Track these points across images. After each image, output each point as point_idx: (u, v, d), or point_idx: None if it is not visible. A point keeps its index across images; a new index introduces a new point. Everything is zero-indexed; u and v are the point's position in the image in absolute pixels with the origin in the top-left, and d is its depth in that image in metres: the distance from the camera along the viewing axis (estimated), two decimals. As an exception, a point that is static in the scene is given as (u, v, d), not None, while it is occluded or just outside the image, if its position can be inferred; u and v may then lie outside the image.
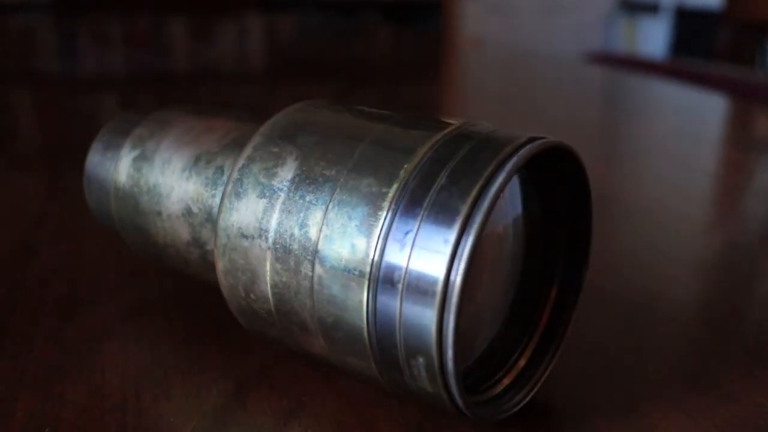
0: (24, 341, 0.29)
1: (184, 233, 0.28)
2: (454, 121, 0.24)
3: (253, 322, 0.25)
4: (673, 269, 0.37)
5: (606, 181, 0.52)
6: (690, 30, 2.56)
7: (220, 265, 0.25)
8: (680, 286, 0.35)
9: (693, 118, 0.85)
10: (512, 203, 0.26)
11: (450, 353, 0.20)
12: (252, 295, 0.24)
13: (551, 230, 0.27)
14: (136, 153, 0.29)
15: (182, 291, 0.33)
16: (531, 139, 0.22)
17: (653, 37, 2.69)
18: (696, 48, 2.40)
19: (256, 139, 0.25)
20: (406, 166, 0.22)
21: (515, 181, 0.26)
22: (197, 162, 0.28)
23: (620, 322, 0.31)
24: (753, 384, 0.26)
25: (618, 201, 0.47)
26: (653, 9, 2.71)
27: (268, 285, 0.24)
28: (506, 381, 0.25)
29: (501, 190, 0.20)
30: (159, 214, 0.28)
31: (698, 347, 0.29)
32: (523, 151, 0.21)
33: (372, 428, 0.24)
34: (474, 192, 0.20)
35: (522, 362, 0.26)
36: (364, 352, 0.22)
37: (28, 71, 1.09)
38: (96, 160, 0.31)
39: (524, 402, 0.25)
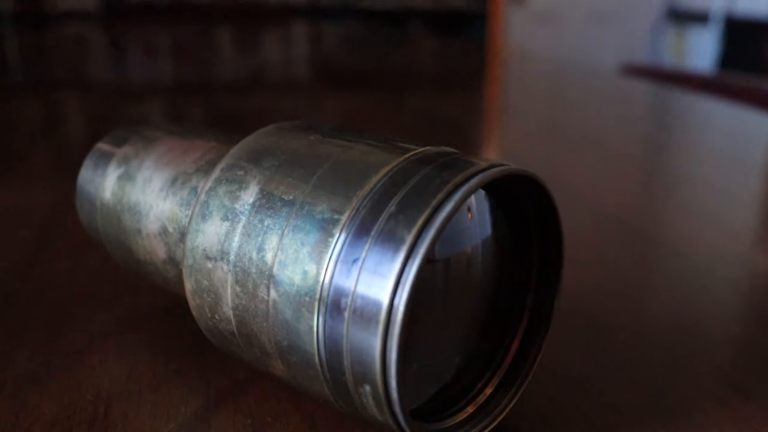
0: (9, 351, 0.30)
1: (160, 252, 0.28)
2: (418, 147, 0.24)
3: (221, 342, 0.26)
4: (693, 305, 0.36)
5: (637, 208, 0.51)
6: (740, 41, 2.50)
7: (188, 286, 0.25)
8: (681, 317, 0.35)
9: (739, 140, 0.82)
10: (481, 227, 0.26)
11: (393, 383, 0.20)
12: (217, 316, 0.25)
13: (523, 256, 0.26)
14: (120, 171, 0.30)
15: (170, 308, 0.33)
16: (487, 167, 0.22)
17: (702, 48, 2.63)
18: (745, 60, 2.35)
19: (225, 161, 0.25)
20: (359, 192, 0.22)
21: (485, 205, 0.26)
22: (174, 182, 0.28)
23: (609, 354, 0.31)
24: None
25: (647, 233, 0.45)
26: (702, 18, 2.64)
27: (230, 307, 0.24)
28: (470, 409, 0.25)
29: (448, 219, 0.20)
30: (139, 232, 0.29)
31: (679, 381, 0.29)
32: (474, 180, 0.21)
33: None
34: (420, 221, 0.20)
35: (488, 390, 0.26)
36: (318, 377, 0.22)
37: (78, 79, 1.12)
38: (87, 176, 0.32)
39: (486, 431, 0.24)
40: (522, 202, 0.25)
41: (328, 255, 0.21)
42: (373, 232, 0.21)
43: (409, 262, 0.20)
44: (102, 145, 0.32)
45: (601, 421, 0.26)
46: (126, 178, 0.30)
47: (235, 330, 0.24)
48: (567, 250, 0.26)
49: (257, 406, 0.26)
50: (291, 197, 0.23)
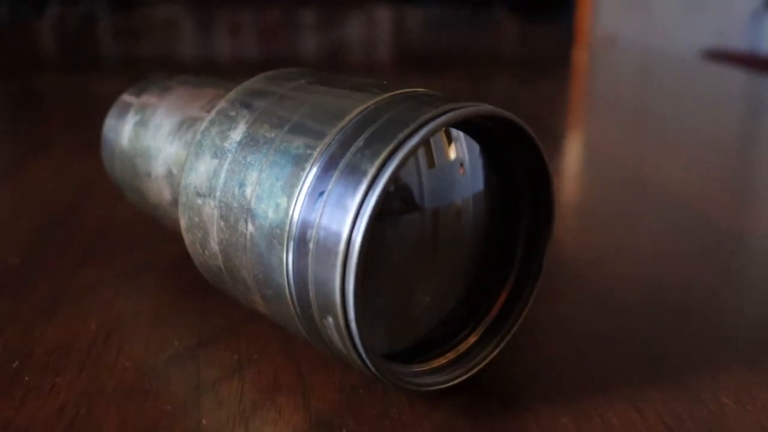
0: (31, 284, 0.31)
1: (167, 194, 0.29)
2: (402, 89, 0.24)
3: (212, 278, 0.27)
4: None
5: (731, 210, 0.46)
6: None
7: (182, 223, 0.26)
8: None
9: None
10: (474, 181, 0.26)
11: (352, 314, 0.20)
12: (206, 252, 0.25)
13: (515, 210, 0.26)
14: (137, 119, 0.31)
15: (186, 255, 0.34)
16: (459, 107, 0.22)
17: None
18: None
19: (220, 104, 0.26)
20: (332, 129, 0.22)
21: (478, 161, 0.25)
22: (180, 127, 0.29)
23: (598, 310, 0.30)
24: (717, 382, 0.25)
25: (738, 233, 0.43)
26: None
27: (216, 242, 0.25)
28: (451, 355, 0.25)
29: (411, 153, 0.20)
30: (149, 175, 0.30)
31: (667, 340, 0.28)
32: (443, 118, 0.21)
33: (306, 389, 0.24)
34: (384, 153, 0.20)
35: (472, 339, 0.26)
36: (290, 310, 0.23)
37: (167, 58, 1.15)
38: (110, 125, 0.33)
39: (460, 379, 0.24)
40: (514, 154, 0.25)
41: (299, 188, 0.22)
42: (340, 166, 0.21)
43: (369, 193, 0.20)
44: (125, 96, 0.33)
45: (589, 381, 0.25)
46: (141, 124, 0.31)
47: (221, 265, 0.25)
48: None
49: (247, 344, 0.27)
50: (272, 135, 0.23)
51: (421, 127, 0.21)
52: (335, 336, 0.21)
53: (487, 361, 0.25)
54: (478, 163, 0.26)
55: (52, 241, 0.37)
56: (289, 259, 0.22)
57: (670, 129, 0.70)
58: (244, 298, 0.25)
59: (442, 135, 0.26)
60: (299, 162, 0.22)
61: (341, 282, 0.20)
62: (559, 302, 0.30)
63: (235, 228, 0.24)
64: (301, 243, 0.21)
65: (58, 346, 0.27)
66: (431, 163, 0.26)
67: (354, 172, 0.20)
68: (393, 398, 0.24)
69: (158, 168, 0.29)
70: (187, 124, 0.29)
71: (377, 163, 0.20)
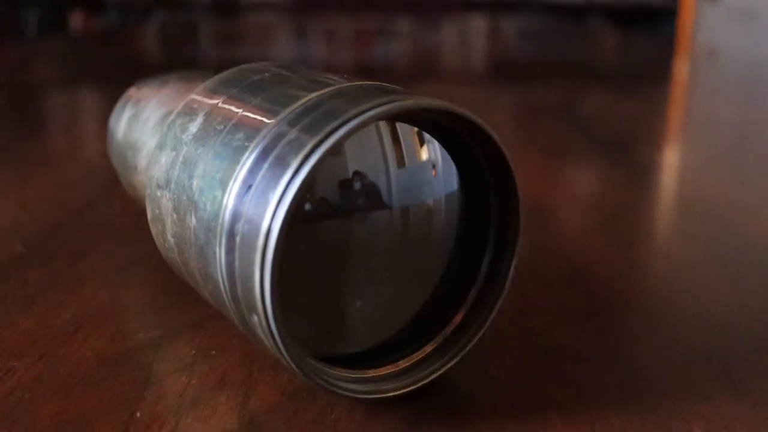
0: (27, 271, 0.32)
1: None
2: (353, 80, 0.23)
3: (176, 271, 0.26)
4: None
5: None
6: None
7: (148, 215, 0.26)
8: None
9: None
10: (447, 183, 0.25)
11: (270, 311, 0.20)
12: (166, 245, 0.25)
13: (482, 220, 0.25)
14: (132, 112, 0.31)
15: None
16: (400, 99, 0.20)
17: None
18: None
19: (189, 97, 0.26)
20: (271, 122, 0.21)
21: (449, 160, 0.24)
22: (164, 120, 0.29)
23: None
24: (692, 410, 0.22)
25: None
26: None
27: (171, 235, 0.24)
28: (402, 364, 0.24)
29: (337, 146, 0.19)
30: (136, 168, 0.30)
31: (641, 359, 0.25)
32: (376, 110, 0.20)
33: (250, 389, 0.24)
34: (309, 146, 0.19)
35: (429, 348, 0.24)
36: (227, 306, 0.22)
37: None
38: (113, 118, 0.33)
39: (403, 390, 0.23)
40: (483, 161, 0.24)
41: (233, 181, 0.21)
42: (269, 158, 0.20)
43: (290, 185, 0.19)
44: (130, 90, 0.34)
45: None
46: (134, 118, 0.31)
47: (177, 258, 0.25)
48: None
49: (208, 340, 0.26)
50: (221, 127, 0.23)
51: (351, 119, 0.20)
52: (261, 334, 0.21)
53: (438, 374, 0.23)
54: (452, 166, 0.25)
55: (64, 232, 0.38)
56: (222, 253, 0.21)
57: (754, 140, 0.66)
58: (199, 293, 0.25)
59: (414, 136, 0.25)
60: (236, 154, 0.21)
61: (260, 277, 0.20)
62: (533, 317, 0.29)
63: (183, 221, 0.23)
64: (231, 237, 0.21)
65: (28, 333, 0.27)
66: (401, 163, 0.26)
67: (279, 165, 0.20)
68: (335, 405, 0.23)
69: (142, 161, 0.29)
70: (166, 117, 0.29)
71: (301, 155, 0.19)
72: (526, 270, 0.26)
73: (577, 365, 0.25)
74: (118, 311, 0.29)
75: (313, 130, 0.20)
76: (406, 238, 0.26)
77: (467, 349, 0.24)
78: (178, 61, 1.18)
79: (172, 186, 0.24)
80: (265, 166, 0.20)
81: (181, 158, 0.24)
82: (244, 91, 0.24)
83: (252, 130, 0.22)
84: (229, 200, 0.21)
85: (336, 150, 0.20)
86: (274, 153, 0.20)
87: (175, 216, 0.24)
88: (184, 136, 0.24)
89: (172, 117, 0.26)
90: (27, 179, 0.49)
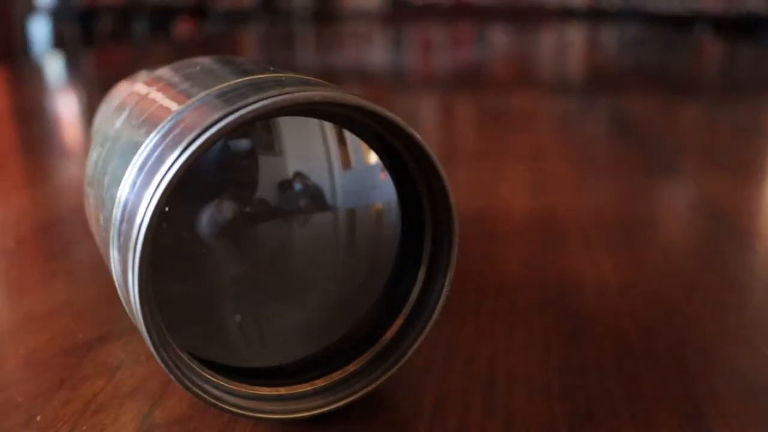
0: (4, 267, 0.32)
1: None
2: (281, 74, 0.21)
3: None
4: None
5: None
6: None
7: (87, 213, 0.25)
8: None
9: None
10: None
11: (141, 317, 0.18)
12: (96, 242, 0.25)
13: (419, 239, 0.23)
14: (110, 102, 0.31)
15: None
16: (290, 92, 0.19)
17: None
18: None
19: (130, 90, 0.25)
20: (167, 116, 0.20)
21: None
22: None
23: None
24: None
25: None
26: None
27: (96, 233, 0.24)
28: (320, 383, 0.22)
29: (209, 143, 0.18)
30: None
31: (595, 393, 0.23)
32: (254, 106, 0.18)
33: (161, 399, 0.22)
34: (184, 144, 0.18)
35: (351, 368, 0.22)
36: (130, 313, 0.21)
37: (360, 69, 1.18)
38: (101, 110, 0.33)
39: (307, 414, 0.21)
40: (417, 174, 0.22)
41: (125, 179, 0.20)
42: (153, 156, 0.19)
43: (160, 185, 0.18)
44: (122, 81, 0.33)
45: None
46: (107, 110, 0.31)
47: (103, 257, 0.24)
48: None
49: (141, 345, 0.25)
50: (134, 122, 0.22)
51: (227, 115, 0.18)
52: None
53: (354, 398, 0.22)
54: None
55: (57, 228, 0.38)
56: (115, 254, 0.20)
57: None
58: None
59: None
60: (134, 151, 0.20)
61: (132, 279, 0.18)
62: (459, 334, 0.26)
63: (98, 219, 0.22)
64: (119, 236, 0.20)
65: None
66: (347, 165, 0.24)
67: (157, 163, 0.18)
68: (239, 423, 0.21)
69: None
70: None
71: (176, 151, 0.18)
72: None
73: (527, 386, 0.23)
74: (69, 311, 0.28)
75: (193, 127, 0.18)
76: (348, 244, 0.25)
77: (390, 372, 0.22)
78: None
79: (95, 184, 0.23)
80: (149, 164, 0.19)
81: (103, 155, 0.23)
82: (168, 85, 0.23)
83: (152, 126, 0.20)
84: (121, 199, 0.20)
85: (207, 147, 0.18)
86: (158, 151, 0.19)
87: (95, 213, 0.23)
88: (110, 132, 0.23)
89: (110, 111, 0.25)
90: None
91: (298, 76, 0.21)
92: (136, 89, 0.25)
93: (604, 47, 1.86)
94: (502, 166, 0.51)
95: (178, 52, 1.46)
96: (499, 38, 1.89)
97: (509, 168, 0.50)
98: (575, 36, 2.08)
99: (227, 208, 0.24)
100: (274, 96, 0.18)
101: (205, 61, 0.26)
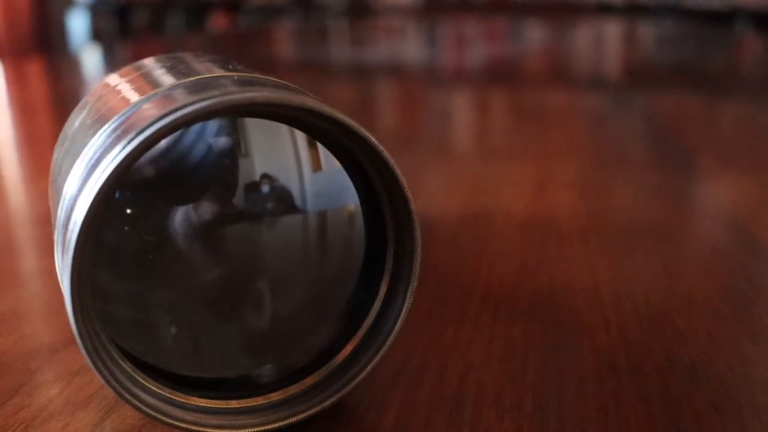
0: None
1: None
2: (238, 73, 0.20)
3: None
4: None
5: None
6: None
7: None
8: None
9: None
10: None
11: (73, 321, 0.18)
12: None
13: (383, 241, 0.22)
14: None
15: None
16: (233, 93, 0.18)
17: None
18: None
19: (96, 86, 0.24)
20: (115, 116, 0.19)
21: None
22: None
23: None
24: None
25: None
26: None
27: (58, 232, 0.23)
28: (275, 397, 0.21)
29: (143, 147, 0.17)
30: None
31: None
32: (188, 111, 0.17)
33: (113, 409, 0.22)
34: (121, 144, 0.17)
35: (309, 382, 0.21)
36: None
37: (393, 64, 1.17)
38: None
39: (256, 429, 0.20)
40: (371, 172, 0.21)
41: (74, 178, 0.19)
42: (94, 157, 0.18)
43: (93, 188, 0.17)
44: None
45: None
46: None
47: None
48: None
49: (106, 349, 0.25)
50: (90, 122, 0.21)
51: (164, 116, 0.17)
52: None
53: (310, 413, 0.21)
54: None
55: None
56: (58, 258, 0.19)
57: None
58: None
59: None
60: (79, 152, 0.20)
61: (69, 287, 0.18)
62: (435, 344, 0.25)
63: (55, 218, 0.22)
64: (62, 240, 0.19)
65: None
66: (317, 167, 0.23)
67: (95, 165, 0.18)
68: (191, 435, 0.20)
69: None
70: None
71: (110, 155, 0.17)
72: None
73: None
74: (42, 313, 0.28)
75: (135, 127, 0.18)
76: (317, 249, 0.24)
77: (349, 388, 0.21)
78: (310, 61, 1.19)
79: (57, 183, 0.22)
80: (90, 165, 0.18)
81: (62, 154, 0.22)
82: (128, 84, 0.22)
83: (102, 124, 0.20)
84: (67, 201, 0.19)
85: (141, 151, 0.17)
86: (99, 152, 0.18)
87: (55, 212, 0.22)
88: (70, 131, 0.23)
89: (75, 111, 0.24)
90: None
91: (258, 76, 0.20)
92: (97, 88, 0.24)
93: (640, 43, 1.82)
94: (521, 164, 0.49)
95: (212, 46, 1.47)
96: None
97: (527, 166, 0.49)
98: (611, 32, 2.04)
99: (190, 211, 0.23)
100: (216, 97, 0.17)
101: (173, 57, 0.25)
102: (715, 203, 0.45)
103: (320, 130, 0.20)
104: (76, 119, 0.23)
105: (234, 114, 0.20)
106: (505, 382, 0.23)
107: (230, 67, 0.22)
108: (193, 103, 0.17)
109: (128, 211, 0.22)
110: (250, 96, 0.18)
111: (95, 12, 2.66)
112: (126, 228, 0.22)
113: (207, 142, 0.22)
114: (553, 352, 0.25)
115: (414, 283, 0.21)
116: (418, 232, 0.20)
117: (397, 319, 0.21)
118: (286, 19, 2.41)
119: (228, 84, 0.19)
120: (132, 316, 0.22)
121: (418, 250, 0.20)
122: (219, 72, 0.21)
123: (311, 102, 0.18)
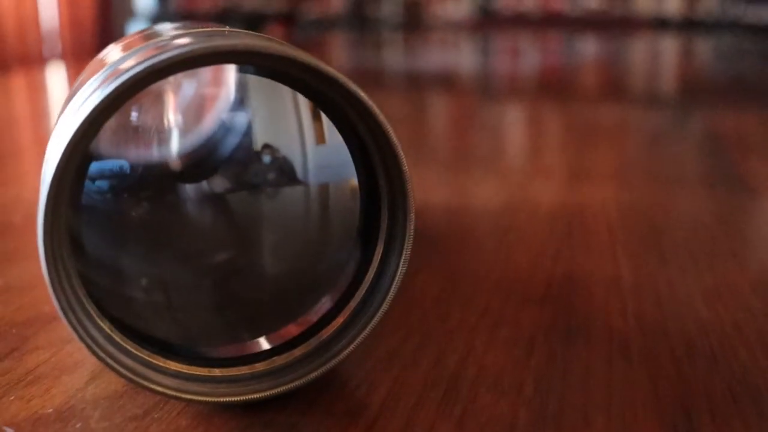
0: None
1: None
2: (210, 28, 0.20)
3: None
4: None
5: None
6: None
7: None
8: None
9: None
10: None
11: (47, 274, 0.17)
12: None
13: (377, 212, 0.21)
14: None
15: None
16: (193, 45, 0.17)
17: None
18: None
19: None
20: (101, 70, 0.19)
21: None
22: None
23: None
24: None
25: None
26: None
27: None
28: (260, 367, 0.20)
29: (116, 97, 0.17)
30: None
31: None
32: (167, 55, 0.17)
33: (96, 375, 0.21)
34: (99, 93, 0.17)
35: (297, 353, 0.20)
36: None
37: (445, 76, 1.16)
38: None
39: (238, 398, 0.19)
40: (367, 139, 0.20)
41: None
42: (78, 105, 0.18)
43: (71, 139, 0.17)
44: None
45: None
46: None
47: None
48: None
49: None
50: (86, 83, 0.21)
51: (136, 66, 0.17)
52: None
53: (298, 383, 0.20)
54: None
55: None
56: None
57: None
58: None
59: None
60: (68, 106, 0.19)
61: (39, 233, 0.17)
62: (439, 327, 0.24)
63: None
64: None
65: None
66: (321, 140, 0.23)
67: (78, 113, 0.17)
68: (167, 405, 0.20)
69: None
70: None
71: (90, 100, 0.17)
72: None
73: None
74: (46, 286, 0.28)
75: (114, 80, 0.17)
76: (318, 222, 0.23)
77: (335, 361, 0.20)
78: (364, 72, 1.18)
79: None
80: (75, 108, 0.18)
81: (61, 119, 0.22)
82: (122, 48, 0.22)
83: (89, 77, 0.19)
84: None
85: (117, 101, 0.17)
86: (81, 101, 0.18)
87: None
88: (68, 93, 0.23)
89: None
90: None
91: (246, 32, 0.20)
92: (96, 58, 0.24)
93: (698, 59, 1.78)
94: (570, 183, 0.47)
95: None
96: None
97: (583, 186, 0.46)
98: (668, 47, 2.00)
99: (192, 180, 0.23)
100: (195, 45, 0.17)
101: (184, 23, 0.25)
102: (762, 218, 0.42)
103: (310, 88, 0.19)
104: (78, 80, 0.23)
105: (216, 62, 0.20)
106: (506, 366, 0.22)
107: (225, 28, 0.21)
108: (175, 48, 0.17)
109: (117, 179, 0.21)
110: (232, 43, 0.17)
111: (157, 22, 2.72)
112: (118, 195, 0.21)
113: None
114: (563, 338, 0.24)
115: (408, 250, 0.20)
116: (410, 195, 0.19)
117: (389, 288, 0.20)
118: (340, 31, 2.42)
119: (212, 36, 0.18)
120: (117, 281, 0.21)
121: (411, 213, 0.19)
122: (217, 29, 0.20)
123: (293, 51, 0.17)
